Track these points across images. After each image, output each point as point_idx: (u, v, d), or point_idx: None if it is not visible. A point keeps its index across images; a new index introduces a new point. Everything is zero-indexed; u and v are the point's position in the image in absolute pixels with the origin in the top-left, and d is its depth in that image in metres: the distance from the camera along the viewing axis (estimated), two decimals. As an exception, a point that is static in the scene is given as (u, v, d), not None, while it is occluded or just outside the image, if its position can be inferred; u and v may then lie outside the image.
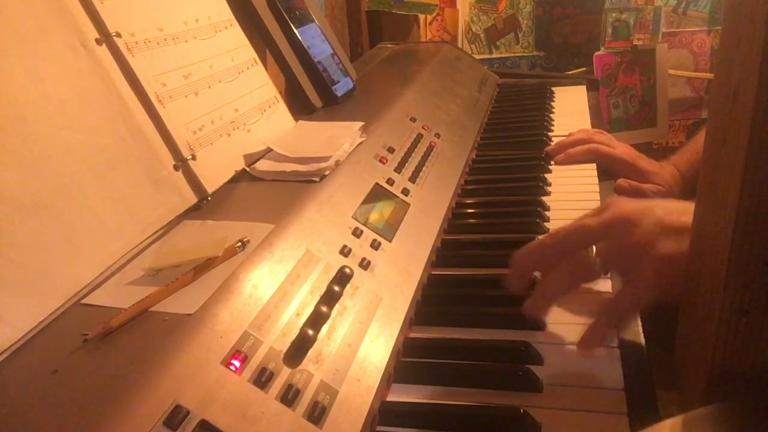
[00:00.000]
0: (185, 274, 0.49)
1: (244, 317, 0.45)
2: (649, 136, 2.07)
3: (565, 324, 0.57)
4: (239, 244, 0.53)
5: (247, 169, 0.71)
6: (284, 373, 0.44)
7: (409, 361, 0.55)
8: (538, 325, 0.57)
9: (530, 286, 0.58)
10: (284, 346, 0.46)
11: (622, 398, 0.48)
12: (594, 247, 0.55)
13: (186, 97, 0.67)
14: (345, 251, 0.57)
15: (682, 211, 0.54)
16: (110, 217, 0.54)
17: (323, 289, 0.52)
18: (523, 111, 1.21)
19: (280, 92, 0.86)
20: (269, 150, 0.74)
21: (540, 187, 0.85)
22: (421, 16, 1.79)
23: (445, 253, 0.72)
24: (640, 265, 0.52)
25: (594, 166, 0.92)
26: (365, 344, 0.51)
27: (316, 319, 0.49)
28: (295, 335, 0.47)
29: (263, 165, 0.71)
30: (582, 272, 0.55)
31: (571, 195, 0.85)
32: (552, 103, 1.26)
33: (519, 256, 0.58)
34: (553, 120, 1.17)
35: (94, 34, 0.58)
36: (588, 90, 1.35)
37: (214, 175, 0.66)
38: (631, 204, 0.56)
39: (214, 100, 0.71)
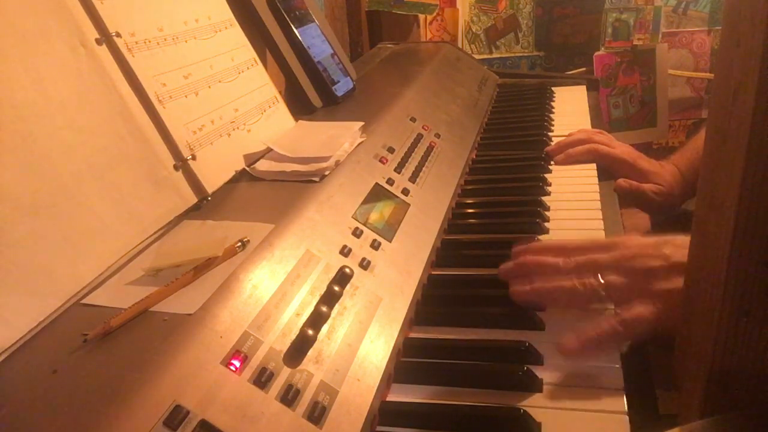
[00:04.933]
0: (185, 274, 0.49)
1: (244, 317, 0.45)
2: (649, 136, 2.07)
3: (565, 324, 0.57)
4: (239, 244, 0.53)
5: (247, 169, 0.71)
6: (284, 373, 0.44)
7: (409, 361, 0.55)
8: (538, 325, 0.57)
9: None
10: (284, 346, 0.46)
11: (622, 398, 0.48)
12: (603, 279, 0.56)
13: (186, 97, 0.67)
14: (345, 251, 0.57)
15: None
16: (110, 217, 0.54)
17: (323, 289, 0.52)
18: (523, 111, 1.21)
19: (280, 92, 0.86)
20: (269, 150, 0.74)
21: (540, 187, 0.85)
22: (421, 16, 1.79)
23: (445, 253, 0.72)
24: (646, 299, 0.53)
25: (594, 166, 0.92)
26: (365, 344, 0.51)
27: (316, 319, 0.49)
28: (295, 335, 0.47)
29: (263, 165, 0.71)
30: (587, 299, 0.56)
31: (571, 195, 0.84)
32: (552, 103, 1.26)
33: (529, 263, 0.60)
34: (553, 120, 1.17)
35: (94, 34, 0.58)
36: (588, 90, 1.35)
37: (214, 175, 0.66)
38: (640, 241, 0.58)
39: (214, 100, 0.71)
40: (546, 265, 0.59)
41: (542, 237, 0.72)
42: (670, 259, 0.55)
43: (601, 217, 0.77)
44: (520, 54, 2.13)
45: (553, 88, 1.35)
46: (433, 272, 0.68)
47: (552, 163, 0.95)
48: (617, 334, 0.52)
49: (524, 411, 0.47)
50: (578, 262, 0.58)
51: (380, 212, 0.66)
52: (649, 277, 0.54)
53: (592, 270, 0.57)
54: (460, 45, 2.01)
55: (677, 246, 0.56)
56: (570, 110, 1.23)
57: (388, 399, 0.50)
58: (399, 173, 0.75)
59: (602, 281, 0.56)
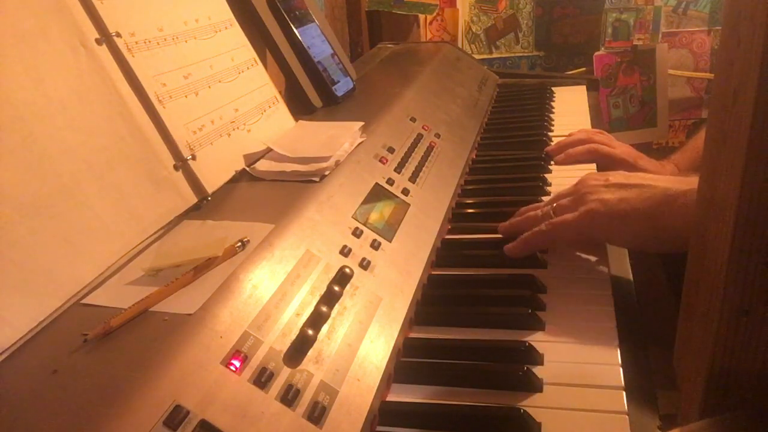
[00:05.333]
0: (185, 274, 0.49)
1: (244, 317, 0.45)
2: (649, 136, 2.07)
3: (565, 324, 0.57)
4: (239, 244, 0.53)
5: (247, 169, 0.71)
6: (284, 373, 0.44)
7: (409, 361, 0.55)
8: (539, 325, 0.57)
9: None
10: (284, 346, 0.46)
11: (622, 398, 0.48)
12: (556, 203, 0.69)
13: (186, 97, 0.67)
14: (345, 251, 0.57)
15: (632, 175, 0.66)
16: (110, 217, 0.54)
17: (323, 289, 0.52)
18: (523, 111, 1.21)
19: (280, 92, 0.86)
20: (269, 150, 0.74)
21: (540, 187, 0.85)
22: (421, 16, 1.79)
23: (445, 253, 0.72)
24: (577, 207, 0.65)
25: (594, 166, 0.92)
26: (365, 344, 0.51)
27: (316, 319, 0.49)
28: (295, 335, 0.47)
29: (263, 165, 0.71)
30: (541, 220, 0.68)
31: (571, 195, 0.84)
32: (552, 103, 1.26)
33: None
34: (553, 120, 1.17)
35: (94, 34, 0.58)
36: (588, 90, 1.35)
37: (214, 175, 0.66)
38: (593, 174, 0.70)
39: (214, 100, 0.71)
40: (528, 207, 0.73)
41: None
42: (609, 180, 0.66)
43: (601, 217, 0.77)
44: (520, 54, 2.13)
45: (553, 88, 1.35)
46: (433, 272, 0.68)
47: (552, 163, 0.95)
48: (542, 233, 0.66)
49: (524, 411, 0.47)
50: (552, 198, 0.72)
51: (380, 212, 0.66)
52: (585, 194, 0.66)
53: (556, 200, 0.70)
54: (460, 45, 2.01)
55: (621, 174, 0.67)
56: (570, 110, 1.23)
57: (388, 399, 0.50)
58: (399, 173, 0.75)
59: (554, 205, 0.68)
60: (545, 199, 0.82)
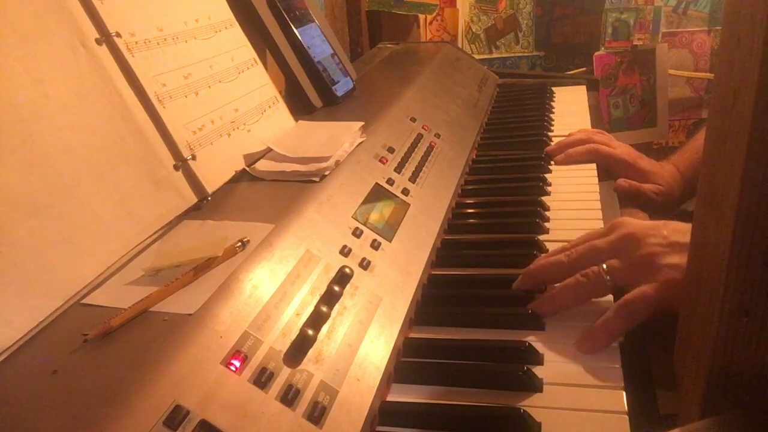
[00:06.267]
0: (185, 274, 0.49)
1: (244, 317, 0.45)
2: (649, 136, 2.07)
3: (565, 324, 0.57)
4: (239, 244, 0.53)
5: (247, 169, 0.71)
6: (284, 373, 0.44)
7: (409, 361, 0.55)
8: (538, 325, 0.57)
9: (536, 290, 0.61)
10: (284, 346, 0.46)
11: (622, 398, 0.48)
12: (605, 264, 0.57)
13: (186, 97, 0.67)
14: (345, 251, 0.57)
15: (687, 231, 0.55)
16: (110, 217, 0.54)
17: (323, 289, 0.52)
18: (523, 111, 1.21)
19: (280, 92, 0.86)
20: (269, 150, 0.74)
21: (540, 187, 0.85)
22: (421, 16, 1.79)
23: (445, 253, 0.72)
24: (648, 276, 0.55)
25: (594, 166, 0.92)
26: (365, 344, 0.51)
27: (316, 319, 0.49)
28: (295, 335, 0.47)
29: (263, 165, 0.71)
30: (593, 288, 0.58)
31: (571, 195, 0.84)
32: (552, 103, 1.26)
33: (535, 270, 0.61)
34: (553, 120, 1.17)
35: (94, 34, 0.58)
36: (588, 90, 1.35)
37: (214, 175, 0.66)
38: (638, 223, 0.60)
39: (214, 100, 0.71)
40: (549, 265, 0.61)
41: (542, 237, 0.72)
42: (668, 238, 0.57)
43: (601, 217, 0.77)
44: (520, 54, 2.13)
45: (553, 88, 1.35)
46: (433, 272, 0.68)
47: (552, 163, 0.95)
48: (622, 317, 0.54)
49: (524, 411, 0.47)
50: (579, 251, 0.60)
51: (380, 212, 0.66)
52: (649, 256, 0.56)
53: (593, 257, 0.58)
54: (460, 45, 2.00)
55: (673, 228, 0.58)
56: (570, 110, 1.23)
57: (388, 399, 0.50)
58: (399, 173, 0.75)
59: (604, 267, 0.57)
60: (545, 199, 0.82)
